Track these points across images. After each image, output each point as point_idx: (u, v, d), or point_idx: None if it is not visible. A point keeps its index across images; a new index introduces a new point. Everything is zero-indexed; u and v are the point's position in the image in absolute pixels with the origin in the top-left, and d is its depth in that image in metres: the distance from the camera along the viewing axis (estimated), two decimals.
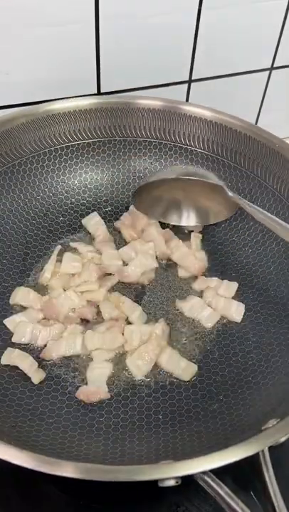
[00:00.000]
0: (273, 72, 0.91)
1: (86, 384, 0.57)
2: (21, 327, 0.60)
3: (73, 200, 0.76)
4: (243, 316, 0.64)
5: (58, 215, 0.74)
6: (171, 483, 0.40)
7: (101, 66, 0.77)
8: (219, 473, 0.41)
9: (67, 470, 0.40)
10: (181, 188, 0.69)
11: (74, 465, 0.41)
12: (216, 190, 0.67)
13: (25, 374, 0.57)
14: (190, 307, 0.65)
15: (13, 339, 0.60)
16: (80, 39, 0.73)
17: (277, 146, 0.68)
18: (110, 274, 0.68)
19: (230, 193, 0.66)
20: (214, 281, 0.68)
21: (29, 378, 0.57)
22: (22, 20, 0.68)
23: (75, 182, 0.76)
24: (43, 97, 0.74)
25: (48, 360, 0.59)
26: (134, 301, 0.65)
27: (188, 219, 0.73)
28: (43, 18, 0.69)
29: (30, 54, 0.72)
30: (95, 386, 0.56)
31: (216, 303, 0.65)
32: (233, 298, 0.66)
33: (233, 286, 0.67)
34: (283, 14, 0.84)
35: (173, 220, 0.73)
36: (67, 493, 0.54)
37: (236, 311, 0.64)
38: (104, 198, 0.77)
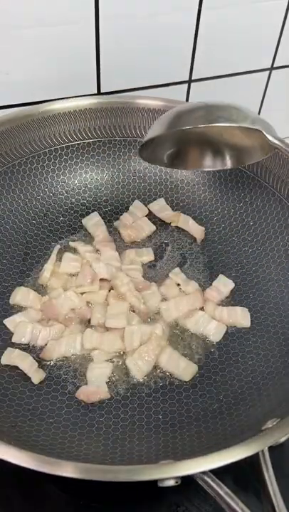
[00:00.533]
0: (273, 72, 0.91)
1: (86, 384, 0.57)
2: (21, 327, 0.60)
3: (73, 200, 0.76)
4: None
5: (58, 215, 0.74)
6: (171, 483, 0.41)
7: (101, 66, 0.77)
8: (219, 473, 0.41)
9: (68, 470, 0.40)
10: (206, 133, 0.60)
11: (74, 465, 0.41)
12: (251, 131, 0.57)
13: (26, 374, 0.57)
14: (195, 322, 0.63)
15: (13, 339, 0.60)
16: (80, 39, 0.73)
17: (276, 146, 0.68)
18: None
19: (270, 138, 0.55)
20: (210, 291, 0.66)
21: (29, 378, 0.57)
22: (22, 21, 0.68)
23: (75, 182, 0.76)
24: (42, 97, 0.74)
25: (48, 361, 0.59)
26: None
27: (216, 162, 0.64)
28: (43, 18, 0.69)
29: (30, 54, 0.72)
30: (95, 386, 0.56)
31: (220, 314, 0.64)
32: (234, 298, 0.66)
33: (229, 281, 0.67)
34: (283, 14, 0.84)
35: (199, 165, 0.64)
36: (67, 493, 0.54)
37: (242, 317, 0.63)
38: (104, 198, 0.77)
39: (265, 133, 0.55)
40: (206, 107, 0.57)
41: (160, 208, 0.76)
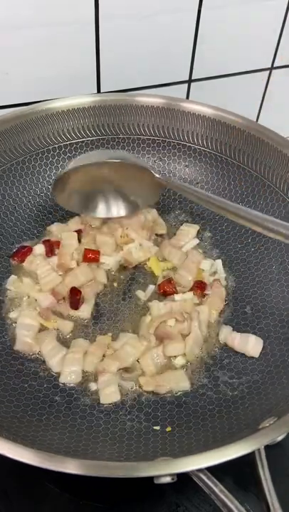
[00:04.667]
0: (273, 72, 0.91)
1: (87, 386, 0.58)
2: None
3: None
4: (245, 315, 0.64)
5: (61, 213, 0.74)
6: (167, 480, 0.41)
7: (101, 66, 0.77)
8: (219, 472, 0.41)
9: (66, 466, 0.41)
10: (105, 175, 0.64)
11: (72, 461, 0.41)
12: (142, 173, 0.63)
13: (27, 370, 0.57)
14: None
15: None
16: (80, 39, 0.73)
17: (279, 144, 0.67)
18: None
19: (156, 175, 0.63)
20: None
21: (30, 374, 0.57)
22: (22, 21, 0.68)
23: None
24: (42, 97, 0.73)
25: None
26: None
27: (117, 208, 0.68)
28: (43, 18, 0.69)
29: (30, 54, 0.72)
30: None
31: (232, 340, 0.61)
32: (235, 297, 0.67)
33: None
34: (283, 14, 0.84)
35: (99, 213, 0.69)
36: (67, 492, 0.55)
37: (253, 347, 0.60)
38: None
39: (151, 170, 0.62)
40: (101, 151, 0.71)
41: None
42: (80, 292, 0.64)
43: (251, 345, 0.60)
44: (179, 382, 0.57)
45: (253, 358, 0.60)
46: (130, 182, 0.65)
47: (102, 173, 0.64)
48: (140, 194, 0.67)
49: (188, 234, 0.73)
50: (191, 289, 0.66)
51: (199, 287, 0.66)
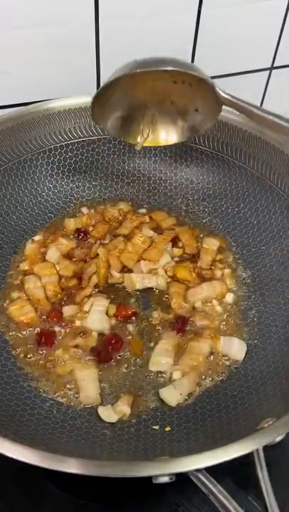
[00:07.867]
0: (273, 72, 0.90)
1: None
2: None
3: (78, 196, 0.76)
4: (245, 315, 0.64)
5: (62, 212, 0.75)
6: (166, 479, 0.41)
7: (101, 66, 0.76)
8: (218, 472, 0.41)
9: (65, 465, 0.40)
10: (155, 88, 0.55)
11: (72, 460, 0.41)
12: (200, 88, 0.55)
13: (25, 369, 0.58)
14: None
15: None
16: (80, 39, 0.73)
17: (279, 144, 0.67)
18: None
19: (221, 93, 0.56)
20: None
21: (30, 373, 0.57)
22: (22, 20, 0.68)
23: (80, 179, 0.76)
24: (42, 97, 0.73)
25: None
26: None
27: (166, 133, 0.59)
28: (43, 18, 0.69)
29: (30, 54, 0.72)
30: None
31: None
32: (240, 292, 0.67)
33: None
34: (283, 14, 0.83)
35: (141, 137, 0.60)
36: (67, 492, 0.55)
37: (237, 350, 0.60)
38: (109, 195, 0.77)
39: (216, 88, 0.55)
40: (159, 57, 0.56)
41: None
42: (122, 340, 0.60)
43: (236, 348, 0.60)
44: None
45: (252, 358, 0.60)
46: (183, 98, 0.56)
47: (152, 85, 0.55)
48: (195, 114, 0.57)
49: (211, 251, 0.70)
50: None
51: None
